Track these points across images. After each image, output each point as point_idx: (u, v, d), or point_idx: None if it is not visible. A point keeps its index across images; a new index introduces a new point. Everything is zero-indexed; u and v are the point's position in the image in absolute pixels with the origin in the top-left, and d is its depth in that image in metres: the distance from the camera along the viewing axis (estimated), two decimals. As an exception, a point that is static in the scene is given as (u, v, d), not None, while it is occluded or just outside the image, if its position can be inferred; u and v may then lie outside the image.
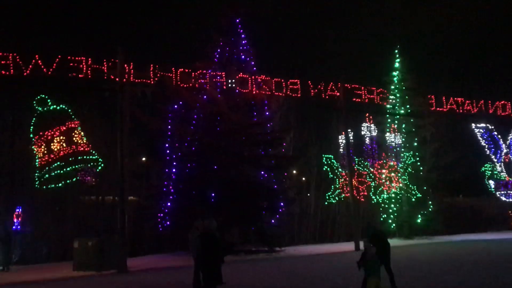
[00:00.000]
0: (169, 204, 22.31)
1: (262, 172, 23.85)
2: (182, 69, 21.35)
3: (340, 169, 27.57)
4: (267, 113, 24.56)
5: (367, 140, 29.80)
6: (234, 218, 21.69)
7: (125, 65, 19.31)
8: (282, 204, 23.68)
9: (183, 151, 23.38)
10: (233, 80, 22.47)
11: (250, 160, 23.90)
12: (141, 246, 25.51)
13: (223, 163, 22.31)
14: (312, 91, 23.73)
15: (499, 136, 33.11)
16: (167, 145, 22.96)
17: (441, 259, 17.13)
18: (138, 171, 24.82)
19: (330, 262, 18.29)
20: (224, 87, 22.36)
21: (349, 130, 26.11)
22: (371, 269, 9.00)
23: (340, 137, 28.03)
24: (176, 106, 23.29)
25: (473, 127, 32.70)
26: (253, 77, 22.73)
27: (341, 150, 28.01)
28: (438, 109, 28.33)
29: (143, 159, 26.82)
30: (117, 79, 18.98)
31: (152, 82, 20.46)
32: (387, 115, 30.10)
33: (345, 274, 13.50)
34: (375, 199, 28.21)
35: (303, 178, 32.96)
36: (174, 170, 22.81)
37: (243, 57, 24.35)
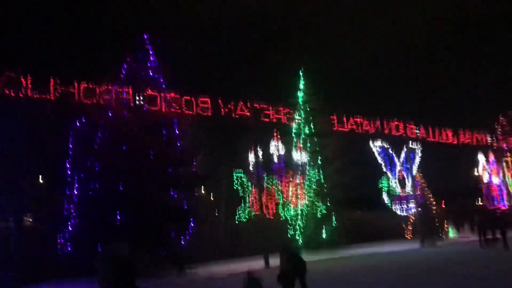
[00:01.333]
0: (70, 228, 20.84)
1: (172, 193, 23.25)
2: (86, 85, 20.31)
3: (250, 187, 27.91)
4: (177, 131, 24.04)
5: (275, 158, 30.61)
6: (143, 241, 20.81)
7: (22, 79, 17.93)
8: (192, 224, 23.22)
9: (86, 172, 22.05)
10: (141, 97, 21.88)
11: (159, 180, 23.16)
12: (39, 272, 23.33)
13: (129, 183, 21.34)
14: (222, 110, 23.89)
15: (394, 153, 36.02)
16: (68, 165, 21.56)
17: (341, 272, 17.93)
18: (36, 193, 22.92)
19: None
20: (132, 105, 21.64)
21: (259, 148, 26.63)
22: (288, 285, 9.14)
23: (250, 155, 28.45)
24: (78, 124, 22.03)
25: (371, 145, 35.22)
26: (162, 94, 22.28)
27: (251, 168, 28.40)
28: (340, 128, 30.02)
29: (41, 181, 24.86)
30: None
31: (52, 97, 19.20)
32: (293, 135, 31.08)
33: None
34: (283, 215, 28.89)
35: (213, 198, 32.75)
36: (76, 192, 21.43)
37: (151, 74, 23.76)
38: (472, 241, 31.93)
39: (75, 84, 20.37)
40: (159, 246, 22.09)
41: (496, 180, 43.29)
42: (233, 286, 16.84)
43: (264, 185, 27.62)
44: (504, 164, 42.95)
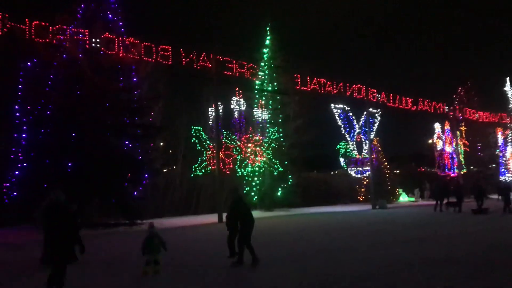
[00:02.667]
0: (17, 172, 19.97)
1: (127, 142, 22.55)
2: (38, 22, 18.94)
3: (208, 142, 27.50)
4: (135, 79, 23.05)
5: (236, 114, 30.19)
6: (94, 189, 20.26)
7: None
8: (146, 175, 22.75)
9: (36, 115, 20.95)
10: (98, 40, 20.69)
11: (114, 128, 22.33)
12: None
13: (82, 130, 20.46)
14: (183, 60, 23.02)
15: (354, 117, 36.37)
16: (17, 107, 20.41)
17: (298, 228, 18.17)
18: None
19: (192, 234, 18.19)
20: (87, 47, 20.46)
21: (219, 103, 26.04)
22: (229, 227, 10.33)
23: (210, 109, 27.86)
24: (29, 64, 20.72)
25: (332, 107, 35.35)
26: (120, 38, 21.15)
27: (210, 122, 27.92)
28: (302, 88, 29.78)
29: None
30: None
31: (0, 33, 17.83)
32: (256, 91, 30.61)
33: (207, 245, 13.45)
34: (240, 172, 28.83)
35: (171, 150, 32.21)
36: (24, 135, 20.42)
37: (110, 16, 22.47)
38: (422, 205, 33.27)
39: (27, 21, 18.95)
40: (110, 196, 21.58)
41: (449, 149, 44.79)
42: (180, 238, 16.82)
43: (223, 141, 27.25)
44: (458, 133, 44.33)
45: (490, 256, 9.96)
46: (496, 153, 48.38)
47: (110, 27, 22.04)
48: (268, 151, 29.71)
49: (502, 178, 46.89)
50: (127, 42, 21.52)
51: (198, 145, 27.33)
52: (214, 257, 11.21)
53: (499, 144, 48.58)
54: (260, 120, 30.41)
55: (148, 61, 22.57)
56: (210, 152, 27.18)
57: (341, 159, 37.40)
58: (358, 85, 32.50)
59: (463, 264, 9.03)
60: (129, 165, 21.99)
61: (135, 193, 22.56)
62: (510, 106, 50.31)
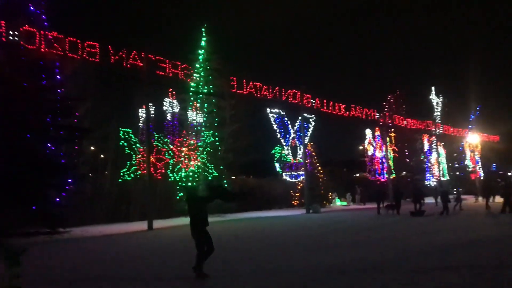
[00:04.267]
0: None
1: (49, 145, 20.87)
2: None
3: (138, 145, 26.28)
4: (59, 77, 21.40)
5: (169, 116, 29.15)
6: (11, 195, 18.49)
7: None
8: (70, 181, 21.18)
9: None
10: (17, 33, 19.00)
11: (35, 130, 20.57)
12: None
13: (-1, 131, 18.67)
14: (112, 57, 21.77)
15: (289, 121, 36.54)
16: None
17: (229, 234, 17.61)
18: None
19: (119, 242, 17.10)
20: (4, 39, 18.72)
21: (151, 104, 24.96)
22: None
23: (140, 110, 26.68)
24: None
25: (268, 111, 35.28)
26: (42, 32, 19.57)
27: (140, 124, 26.72)
28: (238, 91, 29.37)
29: None
30: None
31: None
32: (191, 93, 29.77)
33: (127, 255, 12.55)
34: (172, 177, 27.83)
35: (102, 155, 30.56)
36: None
37: (32, 8, 20.75)
38: (354, 209, 33.96)
39: None
40: (29, 203, 19.83)
41: (379, 154, 46.33)
42: (102, 247, 15.74)
43: (154, 144, 26.14)
44: (388, 139, 45.96)
45: (422, 260, 9.93)
46: (422, 158, 50.72)
47: (32, 20, 20.36)
48: (202, 155, 28.95)
49: (427, 183, 49.15)
50: (50, 36, 19.96)
51: (127, 148, 26.01)
52: (131, 270, 10.35)
53: (425, 150, 51.00)
54: (195, 123, 29.58)
55: (74, 58, 21.04)
56: (140, 156, 25.97)
57: (277, 164, 37.44)
58: (294, 90, 32.64)
59: (394, 270, 8.88)
60: (51, 169, 20.36)
61: (58, 199, 20.91)
62: (435, 114, 53.03)
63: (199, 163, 28.78)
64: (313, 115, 36.55)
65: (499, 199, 27.84)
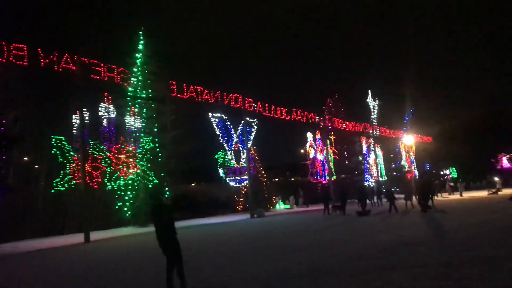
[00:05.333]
0: None
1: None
2: None
3: (72, 153, 24.76)
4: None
5: (105, 122, 27.78)
6: None
7: None
8: (-2, 193, 19.54)
9: None
10: None
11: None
12: None
13: None
14: (42, 61, 20.34)
15: (232, 126, 36.09)
16: None
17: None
18: None
19: (50, 258, 15.83)
20: None
21: (85, 109, 23.60)
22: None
23: (74, 116, 25.19)
24: None
25: (210, 116, 34.64)
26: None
27: (74, 131, 25.21)
28: (179, 96, 28.56)
29: None
30: None
31: None
32: (128, 98, 28.59)
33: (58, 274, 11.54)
34: (110, 186, 26.49)
35: (37, 166, 28.50)
36: None
37: None
38: (298, 212, 34.02)
39: None
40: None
41: (320, 157, 47.01)
42: (31, 263, 14.49)
43: (89, 152, 24.73)
44: (328, 142, 46.73)
45: (367, 262, 9.77)
46: (361, 160, 52.08)
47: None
48: (142, 162, 27.82)
49: (366, 183, 50.48)
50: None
51: (60, 157, 24.42)
52: None
53: (364, 152, 52.42)
54: (133, 129, 28.40)
55: (-1, 61, 19.46)
56: (74, 164, 24.46)
57: (220, 169, 36.87)
58: (235, 94, 32.28)
59: (337, 274, 8.63)
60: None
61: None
62: (372, 116, 54.70)
63: (138, 171, 27.63)
64: (255, 119, 36.41)
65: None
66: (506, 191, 34.51)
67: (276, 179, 44.70)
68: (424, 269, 8.19)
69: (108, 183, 26.23)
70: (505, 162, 69.58)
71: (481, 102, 69.74)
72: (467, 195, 38.34)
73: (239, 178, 36.43)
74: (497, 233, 12.24)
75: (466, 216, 18.33)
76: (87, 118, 24.05)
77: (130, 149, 27.73)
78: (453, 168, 66.55)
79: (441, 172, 68.47)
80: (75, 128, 25.03)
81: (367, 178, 51.63)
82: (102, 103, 27.29)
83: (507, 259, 8.35)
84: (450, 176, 66.00)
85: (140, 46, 29.66)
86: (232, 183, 36.84)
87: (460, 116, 62.77)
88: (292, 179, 50.66)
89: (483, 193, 37.21)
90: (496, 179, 43.14)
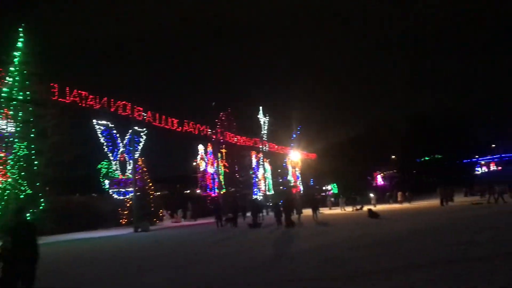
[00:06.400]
0: None
1: None
2: None
3: None
4: None
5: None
6: None
7: None
8: None
9: None
10: None
11: None
12: None
13: None
14: None
15: (118, 135, 34.39)
16: None
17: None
18: None
19: None
20: None
21: None
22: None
23: None
24: None
25: (95, 123, 32.68)
26: None
27: None
28: (61, 99, 26.67)
29: None
30: None
31: None
32: (1, 99, 26.00)
33: None
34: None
35: None
36: None
37: None
38: (186, 225, 33.45)
39: None
40: None
41: (211, 170, 47.00)
42: None
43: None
44: (219, 155, 46.94)
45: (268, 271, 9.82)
46: (251, 174, 53.15)
47: None
48: (13, 170, 25.34)
49: (254, 197, 51.53)
50: None
51: None
52: None
53: (253, 166, 53.59)
54: (5, 134, 25.81)
55: None
56: None
57: (104, 180, 34.96)
58: (124, 102, 31.03)
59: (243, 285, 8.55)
60: None
61: None
62: (262, 132, 56.27)
63: (9, 179, 25.10)
64: (144, 129, 35.24)
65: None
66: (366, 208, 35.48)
67: (166, 192, 43.70)
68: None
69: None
70: (380, 180, 76.05)
71: (361, 123, 75.51)
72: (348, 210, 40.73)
73: (123, 190, 34.83)
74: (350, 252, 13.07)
75: (344, 231, 19.43)
76: None
77: (1, 155, 25.15)
78: (335, 184, 70.86)
79: (323, 188, 72.61)
80: None
81: (256, 192, 52.75)
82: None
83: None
84: (332, 191, 70.25)
85: (20, 44, 27.26)
86: (116, 195, 35.10)
87: (341, 135, 67.24)
88: (184, 191, 49.99)
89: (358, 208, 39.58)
90: (371, 195, 46.76)
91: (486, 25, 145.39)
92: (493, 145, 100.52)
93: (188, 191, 49.17)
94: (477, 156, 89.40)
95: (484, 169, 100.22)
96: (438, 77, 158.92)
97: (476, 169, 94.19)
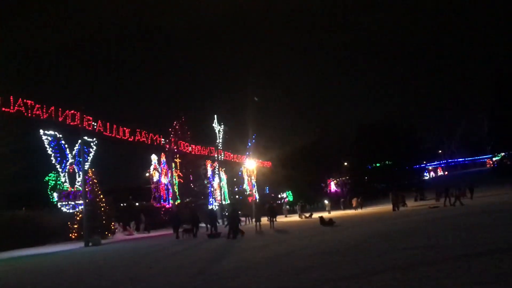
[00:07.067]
0: None
1: None
2: None
3: None
4: None
5: None
6: None
7: None
8: None
9: None
10: None
11: None
12: None
13: None
14: None
15: (67, 145, 32.98)
16: None
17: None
18: None
19: None
20: None
21: None
22: None
23: None
24: None
25: (42, 133, 31.22)
26: None
27: None
28: (4, 109, 25.31)
29: None
30: None
31: None
32: None
33: None
34: None
35: None
36: None
37: None
38: (139, 238, 32.47)
39: None
40: None
41: (164, 180, 46.05)
42: None
43: None
44: (173, 165, 46.11)
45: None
46: (206, 183, 52.54)
47: None
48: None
49: (210, 207, 50.90)
50: None
51: None
52: None
53: (209, 176, 53.01)
54: None
55: None
56: None
57: (52, 193, 33.38)
58: (72, 111, 29.82)
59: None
60: None
61: None
62: (217, 141, 55.82)
63: None
64: (94, 139, 34.02)
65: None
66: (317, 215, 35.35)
67: (120, 204, 42.28)
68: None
69: None
70: (333, 186, 77.39)
71: (313, 132, 76.54)
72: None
73: (73, 203, 33.38)
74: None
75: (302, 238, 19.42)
76: None
77: None
78: (290, 191, 71.41)
79: (279, 195, 72.96)
80: None
81: (211, 202, 52.15)
82: None
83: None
84: (287, 199, 70.73)
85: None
86: (65, 209, 33.57)
87: (295, 143, 67.78)
88: (137, 203, 48.59)
89: (315, 215, 39.71)
90: (326, 202, 47.40)
91: (429, 35, 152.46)
92: (440, 151, 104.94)
93: (142, 203, 47.82)
94: (425, 162, 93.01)
95: (432, 174, 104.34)
96: (386, 87, 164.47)
97: (425, 174, 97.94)
